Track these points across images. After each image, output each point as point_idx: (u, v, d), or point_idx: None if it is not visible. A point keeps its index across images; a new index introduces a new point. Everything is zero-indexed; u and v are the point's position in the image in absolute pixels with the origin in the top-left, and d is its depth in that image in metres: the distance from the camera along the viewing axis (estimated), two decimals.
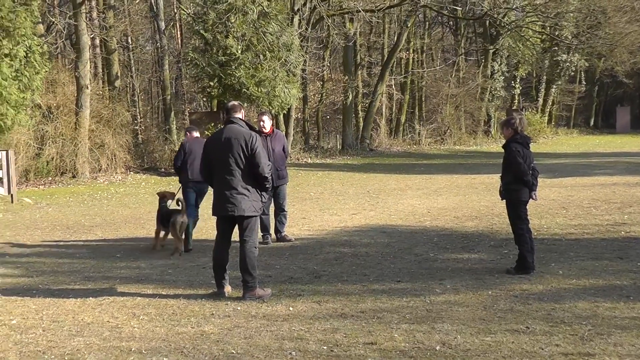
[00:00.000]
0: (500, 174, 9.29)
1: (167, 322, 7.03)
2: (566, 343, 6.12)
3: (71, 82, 24.98)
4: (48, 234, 13.15)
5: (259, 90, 24.49)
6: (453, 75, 43.26)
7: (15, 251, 11.38)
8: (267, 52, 24.96)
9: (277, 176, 11.36)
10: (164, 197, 11.62)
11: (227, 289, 8.09)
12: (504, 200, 9.23)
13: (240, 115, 8.13)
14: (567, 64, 48.69)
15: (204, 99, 32.13)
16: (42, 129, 23.03)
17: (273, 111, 25.14)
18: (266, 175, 7.94)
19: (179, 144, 28.06)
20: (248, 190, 7.88)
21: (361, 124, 37.44)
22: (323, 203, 16.74)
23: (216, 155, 7.95)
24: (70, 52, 30.56)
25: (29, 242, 12.23)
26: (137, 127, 30.25)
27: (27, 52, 18.58)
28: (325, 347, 6.13)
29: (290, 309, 7.46)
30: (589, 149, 37.53)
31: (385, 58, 37.77)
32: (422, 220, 13.59)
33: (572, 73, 52.10)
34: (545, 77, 50.76)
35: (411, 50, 40.65)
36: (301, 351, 6.05)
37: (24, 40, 18.34)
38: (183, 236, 10.98)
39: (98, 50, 29.98)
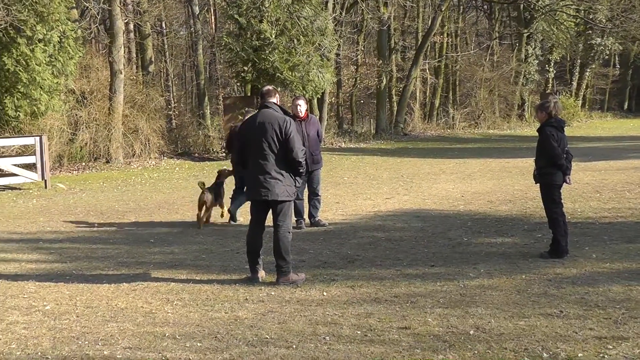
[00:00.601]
0: (534, 158, 9.21)
1: (201, 307, 7.07)
2: (600, 327, 6.08)
3: (105, 67, 25.17)
4: (82, 219, 13.29)
5: (293, 74, 24.46)
6: (487, 59, 42.90)
7: (49, 237, 11.50)
8: (301, 36, 24.92)
9: (312, 161, 11.36)
10: (221, 175, 12.61)
11: (261, 274, 8.12)
12: (538, 184, 9.16)
13: (274, 99, 8.13)
14: (601, 47, 48.13)
15: (238, 84, 32.18)
16: (76, 114, 23.23)
17: (307, 96, 25.11)
18: (300, 160, 7.93)
19: (213, 128, 28.26)
20: (282, 175, 7.87)
21: (395, 109, 37.27)
22: (357, 188, 16.72)
23: (250, 139, 7.97)
24: (104, 37, 30.80)
25: (62, 228, 12.37)
26: (170, 112, 30.47)
27: (61, 37, 18.76)
28: (359, 332, 6.14)
29: (324, 294, 7.48)
30: (623, 132, 37.10)
31: (419, 42, 37.49)
32: (455, 204, 13.52)
33: (606, 57, 51.60)
34: (579, 61, 50.23)
35: (445, 34, 40.31)
36: (335, 336, 6.06)
37: (58, 26, 18.49)
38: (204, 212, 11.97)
39: (132, 35, 30.18)
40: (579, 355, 5.44)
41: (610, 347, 5.59)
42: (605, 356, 5.40)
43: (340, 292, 7.52)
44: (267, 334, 6.18)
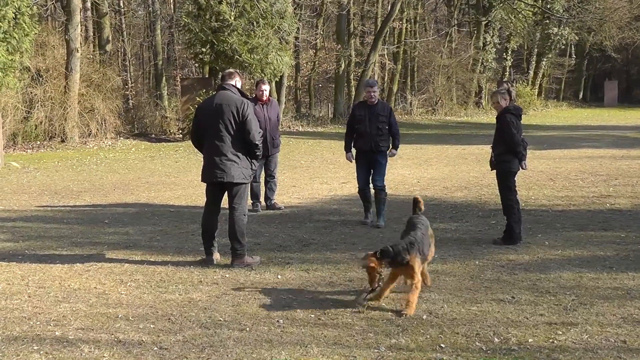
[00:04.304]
0: (491, 145, 9.30)
1: (155, 289, 7.03)
2: (550, 313, 6.19)
3: (61, 45, 24.73)
4: (35, 198, 13.10)
5: (252, 57, 24.33)
6: (445, 46, 43.13)
7: (2, 215, 11.33)
8: (260, 19, 24.78)
9: (272, 145, 11.37)
10: None
11: (216, 256, 8.10)
12: (494, 171, 9.26)
13: (233, 82, 8.09)
14: (558, 37, 48.83)
15: (196, 65, 31.92)
16: (31, 92, 22.85)
17: (265, 78, 24.99)
18: (257, 142, 7.91)
19: (170, 109, 27.98)
20: (238, 157, 7.85)
21: (353, 93, 37.25)
22: (313, 171, 16.73)
23: (207, 121, 7.92)
24: (61, 15, 30.21)
25: (15, 207, 12.18)
26: (127, 92, 30.04)
27: (16, 13, 18.35)
28: (312, 315, 6.16)
29: (279, 277, 7.48)
30: (578, 121, 37.64)
31: (378, 27, 37.50)
32: (411, 190, 13.61)
33: (563, 46, 52.28)
34: (536, 50, 50.75)
35: (404, 20, 40.36)
36: (289, 319, 6.07)
37: (13, 2, 18.09)
38: None
39: (89, 13, 29.65)
40: (530, 340, 5.53)
41: (560, 332, 5.70)
42: (555, 341, 5.50)
43: (294, 275, 7.54)
44: (221, 316, 6.17)
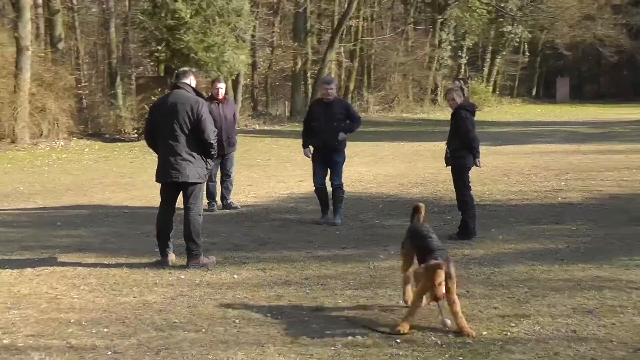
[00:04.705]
0: (446, 141, 9.38)
1: (109, 292, 6.92)
2: (504, 305, 6.27)
3: (11, 43, 24.15)
4: None
5: (208, 55, 24.16)
6: (402, 44, 43.32)
7: None
8: (216, 16, 24.62)
9: (228, 143, 11.32)
10: None
11: (171, 257, 8.02)
12: (449, 167, 9.34)
13: (188, 81, 8.02)
14: (512, 35, 49.84)
15: (152, 64, 31.54)
16: None
17: (222, 77, 24.83)
18: (212, 141, 7.87)
19: (125, 109, 27.64)
20: (193, 157, 7.79)
21: (310, 91, 37.25)
22: (270, 170, 16.69)
23: (161, 120, 7.84)
24: (10, 11, 29.63)
25: None
26: (81, 92, 29.56)
27: None
28: (269, 315, 6.12)
29: (235, 276, 7.44)
30: (531, 117, 38.25)
31: (335, 25, 37.54)
32: (368, 187, 13.66)
33: (516, 44, 53.33)
34: (490, 48, 51.45)
35: (361, 18, 40.44)
36: (245, 319, 6.03)
37: None
38: None
39: (40, 10, 29.10)
40: (484, 333, 5.57)
41: (513, 324, 5.76)
42: (508, 333, 5.55)
43: (251, 274, 7.50)
44: (176, 318, 6.10)
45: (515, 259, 7.94)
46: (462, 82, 11.40)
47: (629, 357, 5.06)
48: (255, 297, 6.65)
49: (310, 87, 37.61)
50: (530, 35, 52.71)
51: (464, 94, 9.36)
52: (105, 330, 5.81)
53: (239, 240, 9.21)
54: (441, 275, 5.51)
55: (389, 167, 16.79)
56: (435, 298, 5.55)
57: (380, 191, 13.10)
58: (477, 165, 9.27)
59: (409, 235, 6.52)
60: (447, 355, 5.16)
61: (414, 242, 6.30)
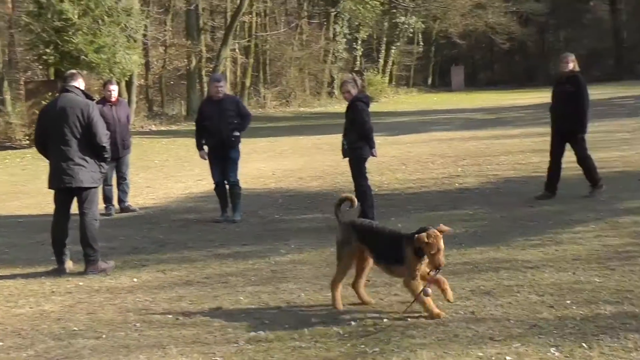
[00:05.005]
0: (342, 133, 9.51)
1: (3, 304, 6.72)
2: (404, 292, 6.32)
3: None
4: None
5: (99, 56, 23.55)
6: (296, 38, 43.52)
7: None
8: (105, 17, 24.05)
9: (123, 146, 11.16)
10: None
11: (68, 264, 7.86)
12: (347, 159, 9.48)
13: (77, 83, 7.88)
14: (406, 26, 50.68)
15: (41, 67, 30.60)
16: None
17: (114, 78, 24.33)
18: (104, 144, 7.76)
19: (15, 115, 26.72)
20: (86, 161, 7.67)
21: (206, 90, 36.90)
22: (168, 170, 16.50)
23: (51, 125, 7.68)
24: None
25: None
26: None
27: None
28: (170, 316, 6.08)
29: (135, 280, 7.35)
30: (428, 106, 38.97)
31: (228, 22, 37.34)
32: (267, 182, 13.70)
33: (410, 35, 54.34)
34: (385, 39, 52.19)
35: (254, 14, 40.37)
36: (146, 322, 5.97)
37: None
38: None
39: None
40: (385, 320, 5.69)
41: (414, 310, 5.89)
42: (409, 319, 5.67)
43: (151, 277, 7.43)
44: (76, 325, 5.98)
45: None
46: (356, 74, 11.58)
47: (525, 334, 5.22)
48: (155, 300, 6.59)
49: (205, 85, 37.28)
50: (423, 26, 53.86)
51: (358, 86, 9.50)
52: (0, 343, 5.65)
53: (138, 243, 9.09)
54: (441, 242, 5.53)
55: (287, 162, 16.87)
56: (436, 266, 5.58)
57: (279, 186, 13.16)
58: (373, 155, 9.46)
59: (355, 231, 6.26)
60: (349, 345, 5.24)
61: (363, 236, 6.15)
